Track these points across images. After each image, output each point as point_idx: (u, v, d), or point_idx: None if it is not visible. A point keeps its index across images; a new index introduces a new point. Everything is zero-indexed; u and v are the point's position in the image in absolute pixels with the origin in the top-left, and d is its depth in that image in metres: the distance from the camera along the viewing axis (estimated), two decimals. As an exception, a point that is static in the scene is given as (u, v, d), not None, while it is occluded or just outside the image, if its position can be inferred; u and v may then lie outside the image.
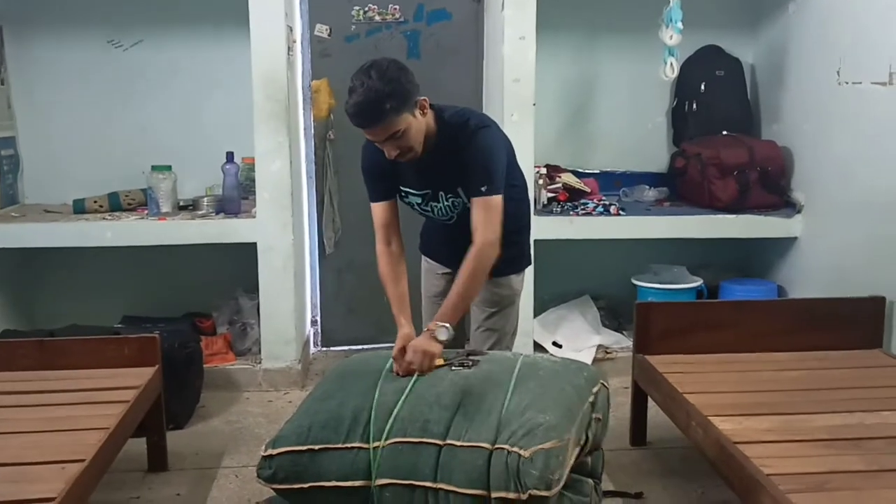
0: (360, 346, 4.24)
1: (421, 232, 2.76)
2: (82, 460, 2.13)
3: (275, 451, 2.05)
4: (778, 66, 4.06)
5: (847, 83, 3.47)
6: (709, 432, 2.34)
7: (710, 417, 2.39)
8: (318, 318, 4.36)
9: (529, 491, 1.82)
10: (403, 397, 2.09)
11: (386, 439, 1.99)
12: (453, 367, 2.22)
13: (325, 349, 4.35)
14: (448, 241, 2.53)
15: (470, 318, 2.61)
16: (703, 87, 4.20)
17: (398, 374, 2.22)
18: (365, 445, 2.00)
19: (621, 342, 4.04)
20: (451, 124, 2.31)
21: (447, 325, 2.25)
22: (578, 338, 4.02)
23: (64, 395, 2.64)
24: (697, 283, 4.02)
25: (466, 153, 2.28)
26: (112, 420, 2.41)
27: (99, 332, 3.16)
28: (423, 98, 2.24)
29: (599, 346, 3.98)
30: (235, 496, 2.78)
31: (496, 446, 1.91)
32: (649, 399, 2.99)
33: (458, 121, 2.32)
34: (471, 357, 2.29)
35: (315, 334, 4.35)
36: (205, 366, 3.63)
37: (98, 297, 4.07)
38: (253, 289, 3.84)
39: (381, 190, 2.46)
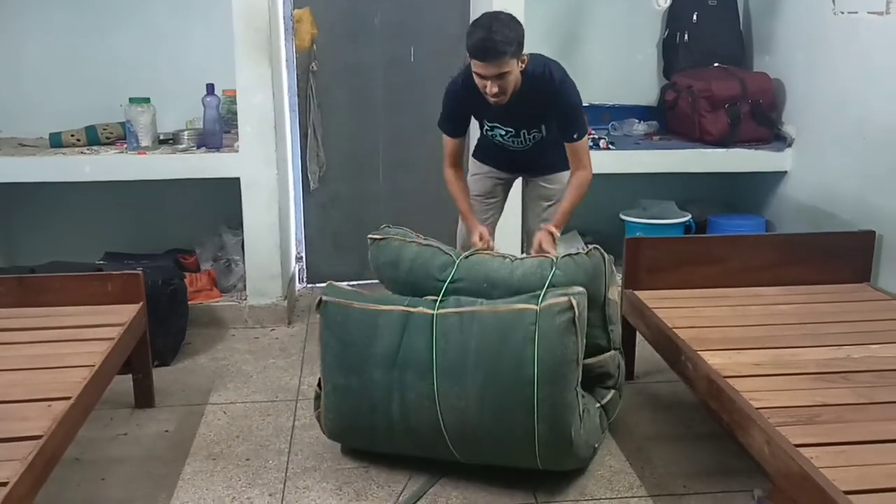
0: (345, 283, 4.20)
1: (477, 146, 3.11)
2: (68, 398, 2.11)
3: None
4: (772, -4, 3.97)
5: (842, 13, 3.40)
6: (698, 367, 2.34)
7: (699, 352, 2.39)
8: (304, 254, 4.32)
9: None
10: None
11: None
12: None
13: (310, 285, 4.32)
14: (514, 157, 2.96)
15: (528, 214, 3.14)
16: (695, 17, 4.11)
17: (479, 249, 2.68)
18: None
19: (608, 277, 4.04)
20: (534, 75, 2.65)
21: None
22: (566, 273, 4.01)
23: (47, 333, 2.61)
24: (686, 217, 4.00)
25: (556, 104, 2.71)
26: (97, 357, 2.38)
27: (80, 269, 3.10)
28: (526, 54, 2.59)
29: (587, 282, 3.98)
30: (224, 432, 2.78)
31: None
32: (637, 334, 2.99)
33: (541, 72, 2.67)
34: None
35: (300, 270, 4.32)
36: (189, 303, 3.59)
37: (77, 234, 4.00)
38: (237, 224, 3.79)
39: (458, 129, 2.88)
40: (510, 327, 2.24)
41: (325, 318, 2.44)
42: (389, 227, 2.66)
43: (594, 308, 2.43)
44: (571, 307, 2.19)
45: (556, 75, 2.70)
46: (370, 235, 2.64)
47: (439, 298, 2.39)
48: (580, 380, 2.30)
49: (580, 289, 2.29)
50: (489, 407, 2.26)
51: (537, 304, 2.23)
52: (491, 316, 2.27)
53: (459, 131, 2.89)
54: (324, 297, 2.45)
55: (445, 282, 2.45)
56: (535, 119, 2.78)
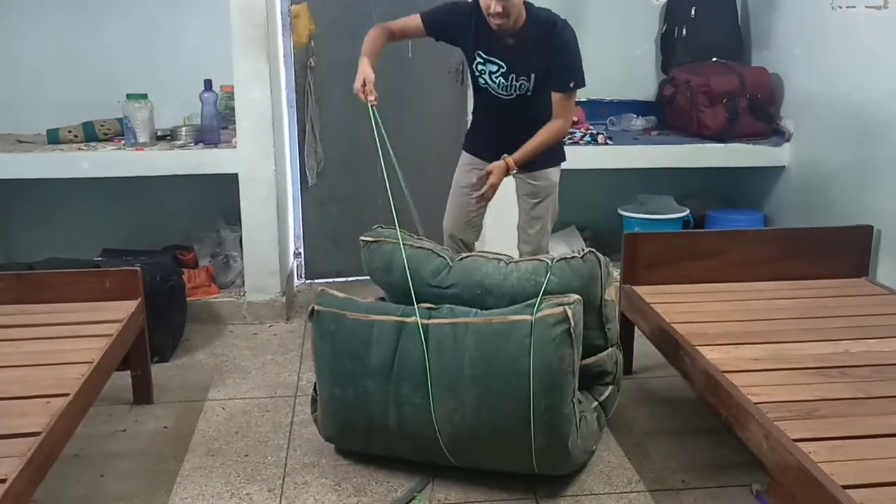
0: (343, 279, 4.21)
1: (467, 133, 3.13)
2: (67, 394, 2.11)
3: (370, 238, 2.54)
4: (770, -10, 3.97)
5: (840, 7, 3.40)
6: (696, 362, 2.34)
7: (697, 347, 2.39)
8: (302, 250, 4.32)
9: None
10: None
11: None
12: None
13: (308, 281, 4.32)
14: (496, 138, 2.89)
15: (518, 209, 3.06)
16: (693, 11, 4.10)
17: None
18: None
19: (607, 272, 4.04)
20: (540, 17, 2.72)
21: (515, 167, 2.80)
22: (564, 268, 4.01)
23: (45, 329, 2.61)
24: (684, 212, 4.00)
25: (555, 48, 2.70)
26: (96, 354, 2.38)
27: (78, 266, 3.09)
28: None
29: (585, 277, 3.98)
30: (223, 428, 2.78)
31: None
32: (636, 329, 2.99)
33: (547, 16, 2.73)
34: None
35: (299, 266, 4.32)
36: (188, 299, 3.59)
37: (75, 230, 3.99)
38: (235, 220, 3.78)
39: (434, 26, 2.80)
40: (505, 339, 2.20)
41: (319, 328, 2.39)
42: (381, 227, 2.60)
43: (590, 311, 2.41)
44: (567, 318, 2.16)
45: (559, 23, 2.72)
46: (362, 238, 2.57)
47: (432, 306, 2.36)
48: (577, 388, 2.28)
49: (576, 297, 2.26)
50: (485, 420, 2.23)
51: (532, 315, 2.20)
52: (485, 327, 2.23)
53: (432, 28, 2.80)
54: (316, 307, 2.40)
55: (439, 288, 2.41)
56: (528, 63, 2.74)
